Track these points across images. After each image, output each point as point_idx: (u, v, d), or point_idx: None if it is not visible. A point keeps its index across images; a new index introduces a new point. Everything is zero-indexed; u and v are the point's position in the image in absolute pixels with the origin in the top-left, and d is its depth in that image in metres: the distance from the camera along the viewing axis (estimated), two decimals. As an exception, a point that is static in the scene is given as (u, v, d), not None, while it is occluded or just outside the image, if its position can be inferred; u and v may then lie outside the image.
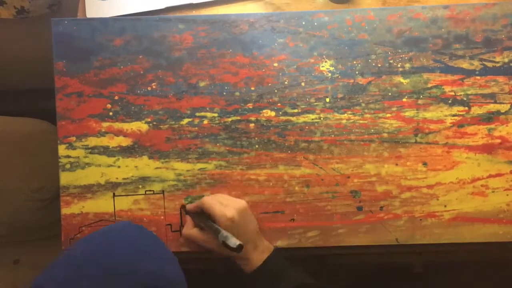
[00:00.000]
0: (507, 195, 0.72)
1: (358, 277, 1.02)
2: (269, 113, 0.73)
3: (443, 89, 0.73)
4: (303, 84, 0.73)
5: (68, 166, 0.73)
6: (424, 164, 0.72)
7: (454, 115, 0.73)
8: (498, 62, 0.73)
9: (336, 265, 0.76)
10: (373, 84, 0.73)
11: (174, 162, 0.73)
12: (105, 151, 0.73)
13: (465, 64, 0.73)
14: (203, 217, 0.68)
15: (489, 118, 0.73)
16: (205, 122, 0.73)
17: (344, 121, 0.73)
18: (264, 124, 0.73)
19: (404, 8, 0.74)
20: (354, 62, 0.74)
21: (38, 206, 0.97)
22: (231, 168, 0.72)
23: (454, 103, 0.73)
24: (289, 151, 0.73)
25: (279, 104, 0.73)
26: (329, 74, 0.73)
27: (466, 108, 0.73)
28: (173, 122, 0.73)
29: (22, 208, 0.97)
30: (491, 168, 0.72)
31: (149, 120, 0.73)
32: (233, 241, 0.62)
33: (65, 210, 0.72)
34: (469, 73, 0.73)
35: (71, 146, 0.73)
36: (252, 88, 0.73)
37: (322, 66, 0.74)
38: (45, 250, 0.99)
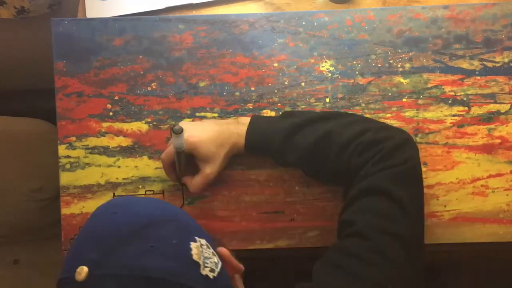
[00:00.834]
0: (507, 195, 0.72)
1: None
2: (269, 113, 0.73)
3: (443, 89, 0.73)
4: (303, 84, 0.73)
5: (68, 166, 0.73)
6: (424, 164, 0.72)
7: (454, 115, 0.73)
8: (498, 62, 0.73)
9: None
10: (373, 84, 0.73)
11: (174, 162, 0.73)
12: (105, 151, 0.73)
13: (465, 64, 0.73)
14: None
15: (489, 118, 0.73)
16: (205, 122, 0.73)
17: (344, 121, 0.73)
18: (264, 124, 0.73)
19: (404, 8, 0.74)
20: (354, 62, 0.74)
21: (38, 206, 0.97)
22: (231, 168, 0.72)
23: (454, 103, 0.73)
24: (289, 151, 0.73)
25: (279, 104, 0.73)
26: (329, 74, 0.73)
27: (466, 108, 0.73)
28: (173, 122, 0.73)
29: (22, 208, 0.97)
30: (491, 168, 0.72)
31: (149, 120, 0.73)
32: (176, 128, 0.60)
33: (65, 210, 0.72)
34: (469, 73, 0.73)
35: (71, 146, 0.73)
36: (252, 88, 0.73)
37: (322, 66, 0.74)
38: (45, 250, 0.99)
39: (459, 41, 0.73)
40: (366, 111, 0.73)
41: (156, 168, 0.73)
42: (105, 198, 0.72)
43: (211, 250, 0.49)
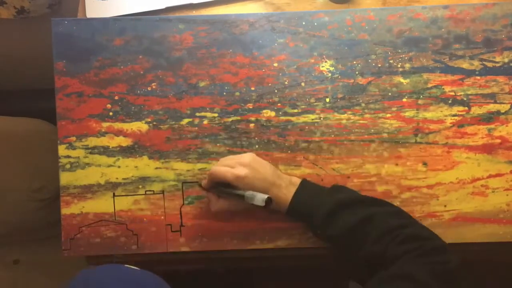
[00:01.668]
0: (507, 195, 0.72)
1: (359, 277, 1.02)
2: (269, 113, 0.73)
3: (443, 89, 0.73)
4: (303, 84, 0.73)
5: (68, 166, 0.73)
6: (424, 164, 0.72)
7: (454, 115, 0.73)
8: (498, 62, 0.73)
9: (336, 265, 0.76)
10: (373, 84, 0.73)
11: (174, 162, 0.73)
12: (105, 151, 0.73)
13: (465, 64, 0.73)
14: (222, 187, 0.67)
15: (489, 118, 0.73)
16: (205, 122, 0.73)
17: (344, 121, 0.73)
18: (264, 124, 0.73)
19: (404, 8, 0.74)
20: (354, 62, 0.74)
21: (38, 206, 0.97)
22: (231, 168, 0.72)
23: (454, 103, 0.73)
24: (289, 151, 0.73)
25: (279, 104, 0.73)
26: (329, 74, 0.73)
27: (466, 108, 0.73)
28: (173, 122, 0.73)
29: (22, 208, 0.97)
30: (491, 168, 0.72)
31: (149, 120, 0.73)
32: (260, 199, 0.61)
33: (65, 210, 0.72)
34: (469, 73, 0.73)
35: (71, 146, 0.73)
36: (252, 88, 0.73)
37: (322, 66, 0.74)
38: (45, 250, 0.99)
39: (459, 41, 0.73)
40: (366, 111, 0.73)
41: (156, 168, 0.73)
42: (105, 198, 0.72)
43: None
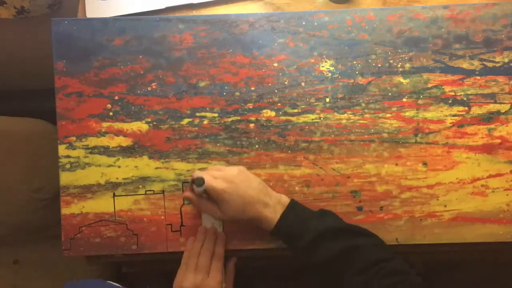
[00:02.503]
0: (507, 195, 0.72)
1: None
2: (269, 113, 0.73)
3: (443, 89, 0.73)
4: (303, 84, 0.73)
5: (68, 166, 0.73)
6: (424, 164, 0.72)
7: (454, 115, 0.73)
8: (498, 62, 0.73)
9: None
10: (373, 84, 0.73)
11: (174, 162, 0.73)
12: (105, 151, 0.73)
13: (465, 64, 0.73)
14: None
15: (489, 118, 0.73)
16: (205, 122, 0.73)
17: (344, 121, 0.73)
18: (264, 124, 0.73)
19: (404, 8, 0.74)
20: (354, 62, 0.74)
21: (38, 206, 0.97)
22: (231, 168, 0.72)
23: (454, 103, 0.73)
24: (289, 151, 0.73)
25: (279, 104, 0.73)
26: (329, 74, 0.73)
27: (466, 108, 0.73)
28: (173, 122, 0.73)
29: (22, 208, 0.97)
30: (491, 168, 0.72)
31: (149, 120, 0.73)
32: (196, 175, 0.62)
33: (65, 210, 0.72)
34: (469, 73, 0.73)
35: (71, 146, 0.73)
36: (252, 88, 0.73)
37: (322, 66, 0.74)
38: (45, 250, 0.99)
39: (459, 41, 0.73)
40: (366, 111, 0.73)
41: (156, 168, 0.73)
42: (105, 198, 0.72)
43: None
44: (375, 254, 0.62)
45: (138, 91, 0.74)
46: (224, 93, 0.73)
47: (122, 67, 0.74)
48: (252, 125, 0.73)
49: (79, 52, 0.74)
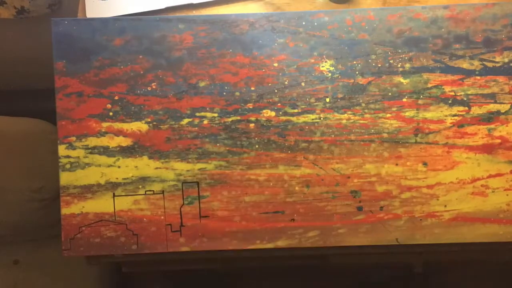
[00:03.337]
0: (507, 195, 0.72)
1: (359, 276, 1.02)
2: (269, 113, 0.73)
3: (443, 89, 0.73)
4: (303, 84, 0.73)
5: (68, 166, 0.73)
6: (424, 164, 0.72)
7: (454, 115, 0.73)
8: (498, 62, 0.73)
9: (336, 265, 0.77)
10: (373, 84, 0.73)
11: (174, 162, 0.73)
12: (105, 151, 0.73)
13: (465, 64, 0.73)
14: None
15: (489, 118, 0.73)
16: (205, 122, 0.73)
17: (344, 121, 0.73)
18: (264, 124, 0.73)
19: (404, 8, 0.74)
20: (354, 62, 0.74)
21: (38, 206, 0.97)
22: (231, 168, 0.72)
23: (454, 103, 0.73)
24: (289, 151, 0.73)
25: (279, 104, 0.73)
26: (329, 74, 0.74)
27: (466, 108, 0.73)
28: (173, 122, 0.73)
29: (22, 208, 0.97)
30: (491, 168, 0.72)
31: (149, 120, 0.73)
32: None
33: (65, 210, 0.72)
34: (469, 73, 0.73)
35: (71, 146, 0.73)
36: (252, 88, 0.74)
37: (322, 66, 0.74)
38: (45, 250, 0.99)
39: (459, 41, 0.73)
40: (366, 111, 0.73)
41: (156, 168, 0.73)
42: (105, 198, 0.72)
43: None
44: None
45: (138, 91, 0.74)
46: (224, 93, 0.73)
47: (122, 67, 0.74)
48: (252, 125, 0.73)
49: (79, 52, 0.74)
